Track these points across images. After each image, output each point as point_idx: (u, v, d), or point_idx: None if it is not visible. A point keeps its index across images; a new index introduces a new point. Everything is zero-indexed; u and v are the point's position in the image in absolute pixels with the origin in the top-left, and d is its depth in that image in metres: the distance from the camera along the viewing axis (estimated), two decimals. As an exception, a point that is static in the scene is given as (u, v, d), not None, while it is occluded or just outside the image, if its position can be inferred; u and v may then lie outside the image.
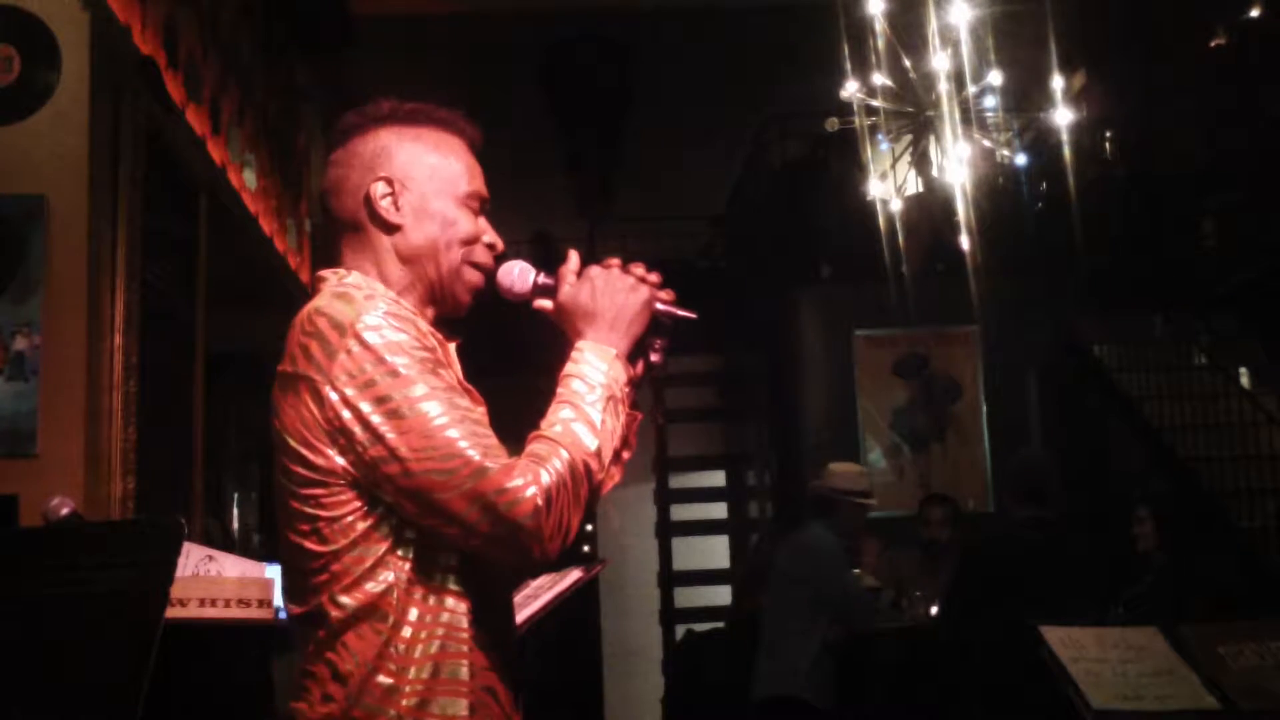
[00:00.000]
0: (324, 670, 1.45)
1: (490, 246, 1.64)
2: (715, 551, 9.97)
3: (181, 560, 2.21)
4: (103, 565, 1.62)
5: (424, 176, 1.60)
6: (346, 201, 1.61)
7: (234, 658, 2.38)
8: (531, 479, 1.41)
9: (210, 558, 2.49)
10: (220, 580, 2.38)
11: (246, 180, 5.26)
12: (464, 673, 1.46)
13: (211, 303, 4.74)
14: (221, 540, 5.56)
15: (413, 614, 1.45)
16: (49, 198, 3.51)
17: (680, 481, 10.00)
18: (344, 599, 1.45)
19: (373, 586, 1.45)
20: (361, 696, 1.43)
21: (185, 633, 2.17)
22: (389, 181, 1.59)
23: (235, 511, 6.59)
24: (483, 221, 1.65)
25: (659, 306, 1.61)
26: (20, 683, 1.57)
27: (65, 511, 2.54)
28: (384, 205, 1.59)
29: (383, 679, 1.43)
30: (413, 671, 1.44)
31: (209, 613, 2.30)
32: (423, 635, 1.45)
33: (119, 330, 3.66)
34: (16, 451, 3.39)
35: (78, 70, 3.59)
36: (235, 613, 2.29)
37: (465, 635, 1.47)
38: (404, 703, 1.43)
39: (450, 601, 1.47)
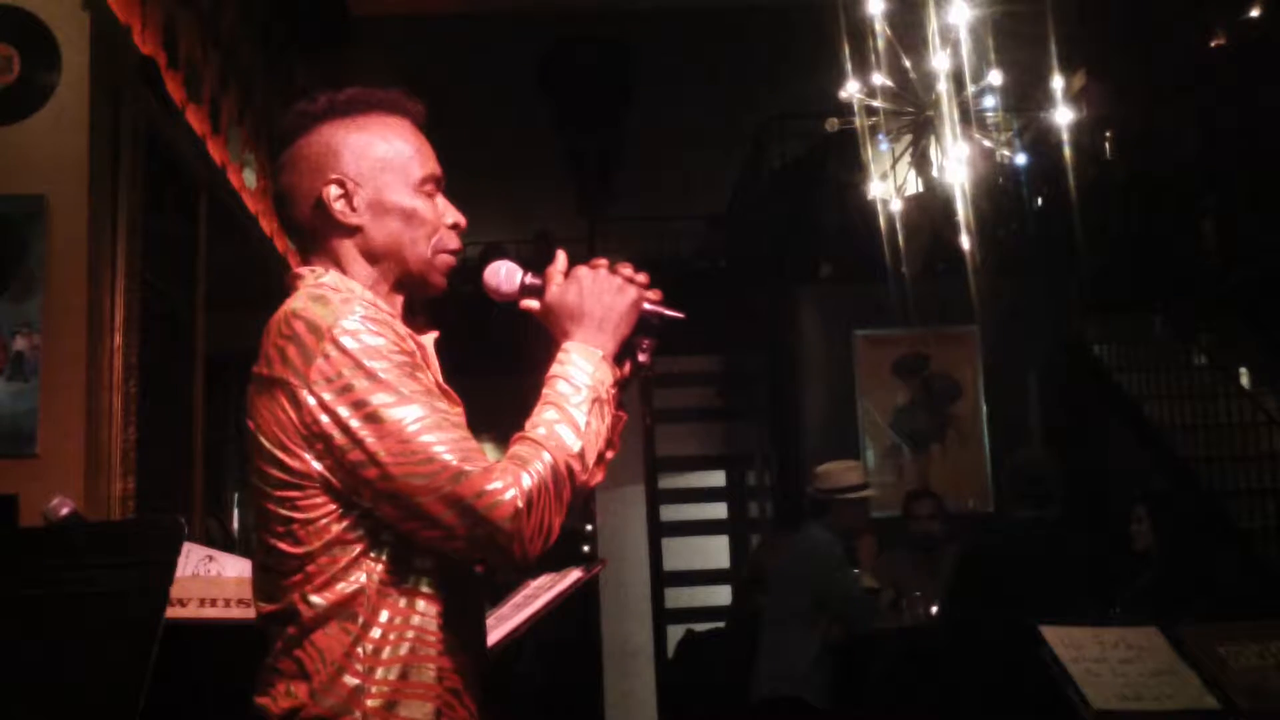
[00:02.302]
0: (290, 667, 1.45)
1: (454, 226, 1.62)
2: (715, 551, 9.97)
3: (181, 560, 2.21)
4: (103, 565, 1.62)
5: (375, 170, 1.57)
6: (301, 207, 1.58)
7: (234, 658, 2.38)
8: (511, 481, 1.40)
9: (210, 558, 2.48)
10: (220, 580, 2.38)
11: (246, 180, 5.26)
12: (431, 676, 1.46)
13: (211, 303, 4.74)
14: (221, 540, 5.55)
15: (383, 616, 1.45)
16: (49, 198, 3.51)
17: (680, 481, 10.00)
18: (315, 598, 1.44)
19: (344, 587, 1.44)
20: (326, 695, 1.42)
21: (185, 633, 2.16)
22: (340, 183, 1.56)
23: (235, 511, 6.59)
24: (442, 202, 1.62)
25: (647, 307, 1.60)
26: (20, 683, 1.57)
27: (65, 511, 2.53)
28: (339, 208, 1.56)
29: (349, 679, 1.43)
30: (380, 673, 1.43)
31: (209, 613, 2.29)
32: (392, 637, 1.45)
33: (119, 330, 3.66)
34: (16, 451, 3.39)
35: (78, 70, 3.59)
36: (235, 613, 2.29)
37: (435, 639, 1.47)
38: (369, 704, 1.42)
39: (422, 605, 1.47)
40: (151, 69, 4.00)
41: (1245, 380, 7.98)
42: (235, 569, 2.47)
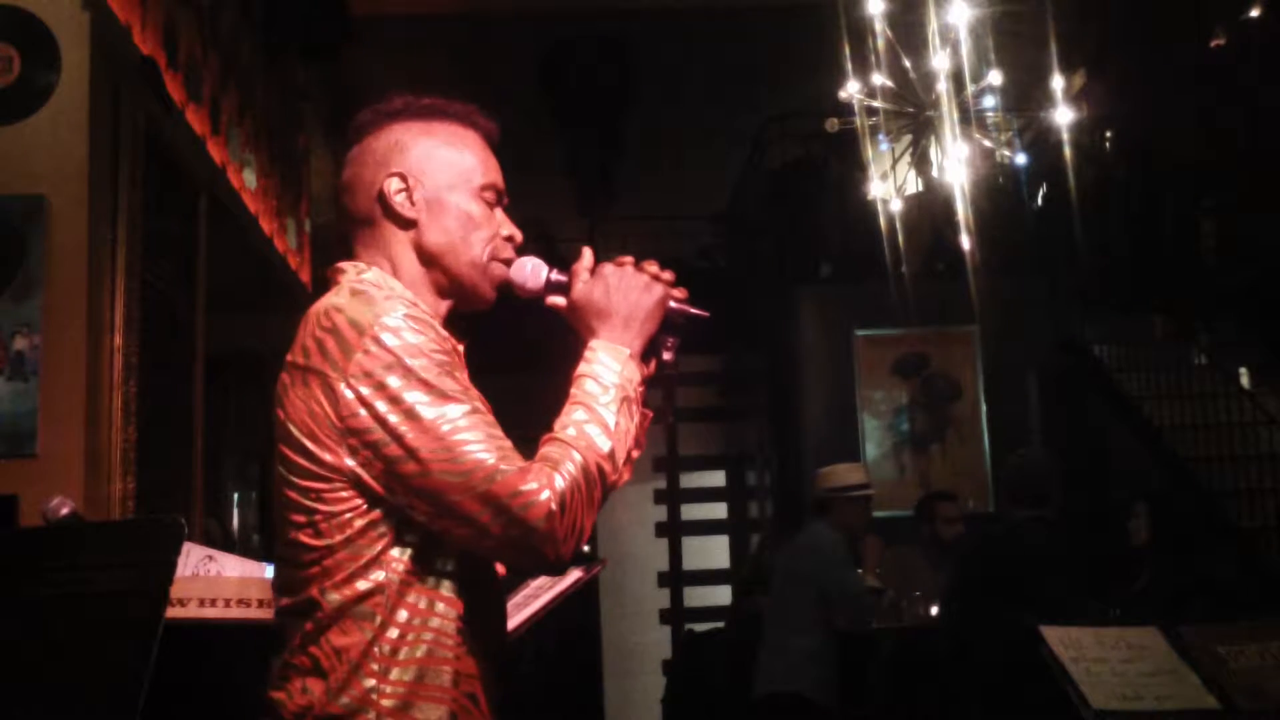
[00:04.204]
0: (306, 663, 1.44)
1: (509, 239, 1.63)
2: (715, 551, 9.97)
3: (181, 560, 2.21)
4: (103, 565, 1.61)
5: (438, 170, 1.59)
6: (360, 198, 1.60)
7: (234, 658, 2.38)
8: (545, 482, 1.40)
9: (210, 558, 2.48)
10: (220, 580, 2.38)
11: (246, 180, 5.26)
12: (447, 679, 1.45)
13: (211, 303, 4.74)
14: (221, 540, 5.56)
15: (402, 615, 1.44)
16: (49, 198, 3.51)
17: (680, 481, 9.99)
18: (334, 595, 1.44)
19: (364, 585, 1.44)
20: (341, 693, 1.42)
21: (185, 633, 2.16)
22: (403, 177, 1.58)
23: (235, 511, 6.60)
24: (499, 214, 1.63)
25: (672, 305, 1.59)
26: (20, 683, 1.57)
27: (65, 511, 2.53)
28: (398, 200, 1.58)
29: (365, 679, 1.42)
30: (395, 673, 1.43)
31: (209, 613, 2.29)
32: (410, 638, 1.44)
33: (119, 330, 3.66)
34: (16, 451, 3.38)
35: (78, 70, 3.59)
36: (235, 613, 2.29)
37: (452, 642, 1.46)
38: (384, 703, 1.42)
39: (441, 606, 1.46)
40: (151, 69, 4.00)
41: (1245, 380, 7.98)
42: (235, 569, 2.48)
